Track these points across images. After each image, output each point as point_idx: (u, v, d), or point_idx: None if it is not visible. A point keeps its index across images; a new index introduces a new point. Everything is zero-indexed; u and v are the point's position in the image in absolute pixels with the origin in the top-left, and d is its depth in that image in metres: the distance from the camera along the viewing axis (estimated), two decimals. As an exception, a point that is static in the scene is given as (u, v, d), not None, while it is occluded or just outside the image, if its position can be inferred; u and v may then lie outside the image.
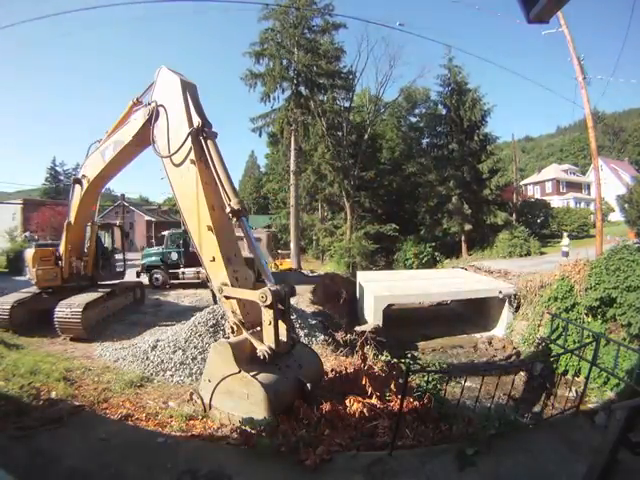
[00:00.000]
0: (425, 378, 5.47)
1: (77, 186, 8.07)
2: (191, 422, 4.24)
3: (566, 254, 16.41)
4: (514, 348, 12.02)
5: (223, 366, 4.16)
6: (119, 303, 10.04)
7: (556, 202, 39.70)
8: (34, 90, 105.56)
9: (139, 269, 15.15)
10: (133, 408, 4.69)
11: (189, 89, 5.04)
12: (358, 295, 16.57)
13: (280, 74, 22.84)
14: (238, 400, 4.07)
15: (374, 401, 4.40)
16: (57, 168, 54.64)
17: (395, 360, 6.47)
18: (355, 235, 26.10)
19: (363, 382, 4.74)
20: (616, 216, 31.62)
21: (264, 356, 4.05)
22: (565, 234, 19.36)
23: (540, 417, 4.27)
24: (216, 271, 4.72)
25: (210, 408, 4.33)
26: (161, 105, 5.19)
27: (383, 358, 6.86)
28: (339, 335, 9.01)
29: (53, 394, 4.64)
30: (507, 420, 3.83)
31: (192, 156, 4.77)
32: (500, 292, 13.26)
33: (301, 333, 8.05)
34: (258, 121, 25.05)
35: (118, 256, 11.57)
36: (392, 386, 4.78)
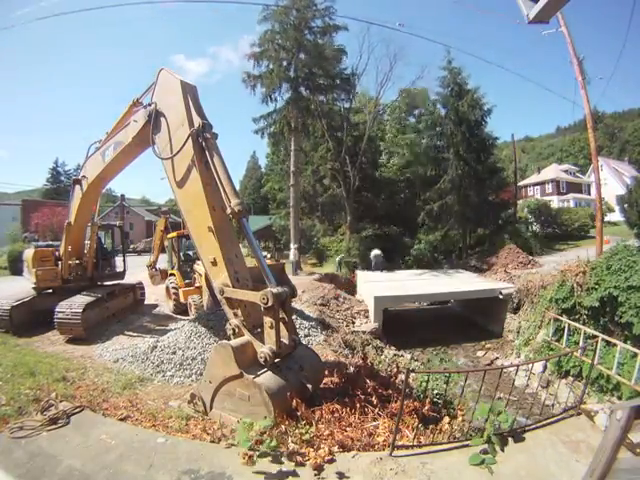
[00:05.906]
0: (425, 378, 5.47)
1: (77, 187, 8.08)
2: (191, 422, 4.24)
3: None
4: (514, 348, 12.02)
5: (224, 367, 4.15)
6: (119, 304, 10.05)
7: (556, 203, 39.69)
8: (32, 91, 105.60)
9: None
10: (133, 408, 4.69)
11: (189, 91, 5.04)
12: (358, 295, 16.57)
13: (279, 75, 22.81)
14: (239, 401, 4.06)
15: (374, 401, 4.39)
16: (59, 169, 54.76)
17: (395, 360, 6.47)
18: (355, 236, 26.06)
19: (363, 382, 4.74)
20: (616, 216, 31.61)
21: (265, 358, 4.05)
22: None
23: (540, 417, 4.26)
24: (217, 272, 4.70)
25: (211, 409, 4.32)
26: (161, 107, 5.19)
27: (383, 358, 6.86)
28: (339, 335, 9.01)
29: (53, 394, 4.64)
30: (507, 420, 3.83)
31: (193, 157, 4.76)
32: (500, 292, 13.26)
33: (301, 333, 8.06)
34: (260, 121, 24.94)
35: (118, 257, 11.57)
36: (392, 386, 4.78)
